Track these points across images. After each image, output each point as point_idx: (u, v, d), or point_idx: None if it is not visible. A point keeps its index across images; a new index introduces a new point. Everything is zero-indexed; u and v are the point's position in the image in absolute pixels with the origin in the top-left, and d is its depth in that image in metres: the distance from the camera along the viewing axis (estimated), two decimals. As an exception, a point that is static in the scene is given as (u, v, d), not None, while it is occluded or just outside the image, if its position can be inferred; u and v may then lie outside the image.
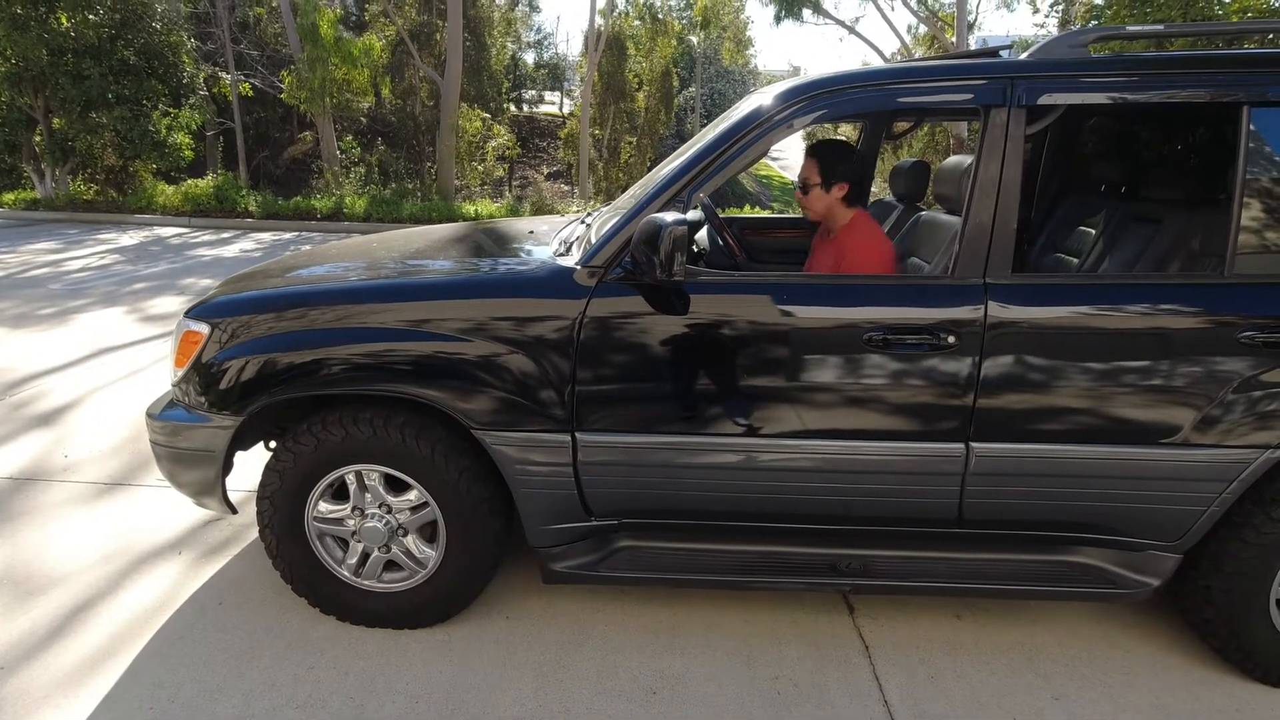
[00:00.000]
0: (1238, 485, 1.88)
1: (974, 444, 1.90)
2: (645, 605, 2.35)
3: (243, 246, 9.37)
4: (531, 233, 2.63)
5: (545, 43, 30.48)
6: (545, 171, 21.08)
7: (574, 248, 2.13)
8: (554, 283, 1.94)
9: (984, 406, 1.87)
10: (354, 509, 2.09)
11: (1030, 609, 2.37)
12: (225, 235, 10.37)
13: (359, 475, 2.06)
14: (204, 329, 2.04)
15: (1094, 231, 2.53)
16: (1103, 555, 2.05)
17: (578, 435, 1.95)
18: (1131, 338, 1.83)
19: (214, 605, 2.30)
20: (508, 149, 17.54)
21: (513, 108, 23.51)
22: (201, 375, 2.03)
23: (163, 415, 2.13)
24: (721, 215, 2.82)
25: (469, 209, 12.16)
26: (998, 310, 1.83)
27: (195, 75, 12.44)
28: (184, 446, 2.09)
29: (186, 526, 2.75)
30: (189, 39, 12.19)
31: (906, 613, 2.33)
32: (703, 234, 2.43)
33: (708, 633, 2.23)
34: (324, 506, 2.10)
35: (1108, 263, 2.39)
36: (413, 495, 2.07)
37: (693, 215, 1.82)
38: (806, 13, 17.55)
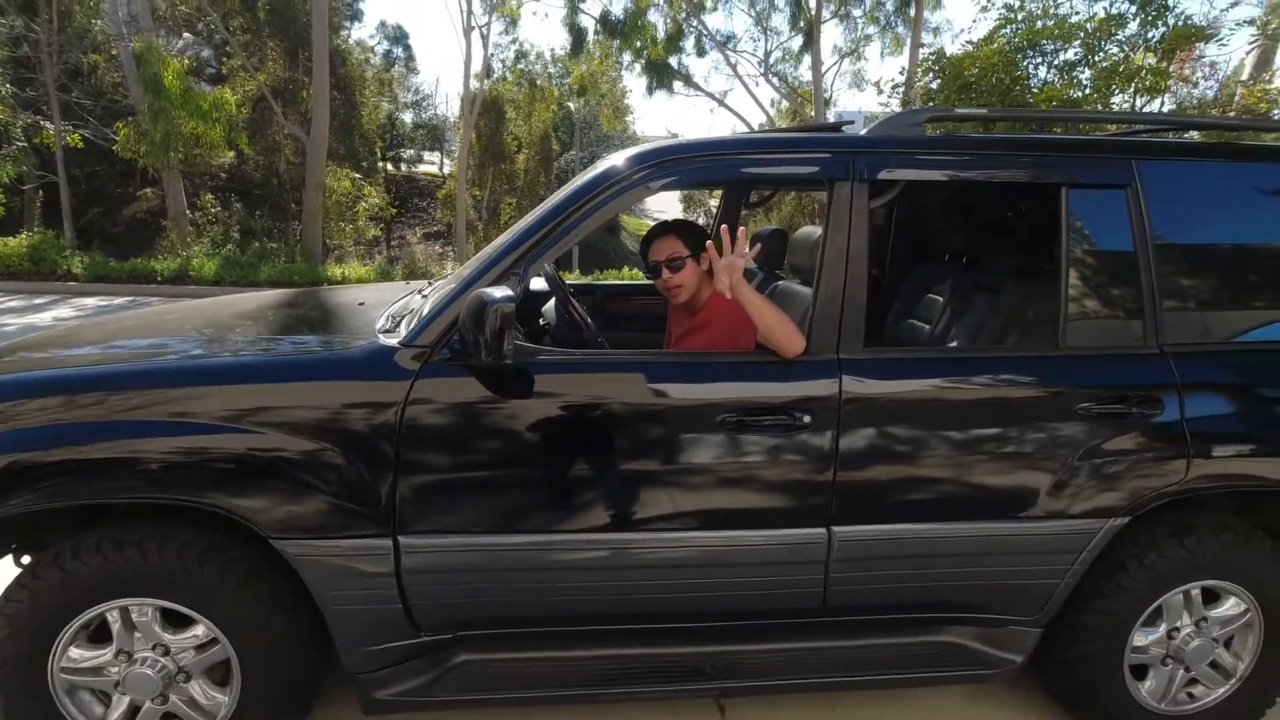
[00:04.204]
0: (1087, 555, 1.88)
1: (835, 528, 1.79)
2: (496, 730, 2.05)
3: (59, 314, 8.27)
4: (361, 304, 2.35)
5: (424, 104, 30.34)
6: (424, 232, 20.56)
7: (404, 323, 1.89)
8: (371, 364, 1.69)
9: (843, 488, 1.78)
10: (119, 653, 1.68)
11: (904, 693, 2.27)
12: (39, 301, 9.15)
13: (124, 612, 1.66)
14: None
15: (941, 299, 2.60)
16: (967, 633, 1.99)
17: (400, 539, 1.68)
18: (981, 410, 1.82)
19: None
20: (380, 209, 16.97)
21: (389, 167, 22.98)
22: None
23: None
24: (594, 278, 2.69)
25: (336, 271, 11.49)
26: (852, 385, 1.76)
27: (12, 123, 11.16)
28: None
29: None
30: (4, 84, 10.98)
31: (780, 709, 2.17)
32: (550, 306, 2.26)
33: (567, 757, 1.96)
34: (76, 653, 1.67)
35: (955, 330, 2.43)
36: (198, 630, 1.69)
37: (538, 285, 1.64)
38: (677, 85, 18.46)
